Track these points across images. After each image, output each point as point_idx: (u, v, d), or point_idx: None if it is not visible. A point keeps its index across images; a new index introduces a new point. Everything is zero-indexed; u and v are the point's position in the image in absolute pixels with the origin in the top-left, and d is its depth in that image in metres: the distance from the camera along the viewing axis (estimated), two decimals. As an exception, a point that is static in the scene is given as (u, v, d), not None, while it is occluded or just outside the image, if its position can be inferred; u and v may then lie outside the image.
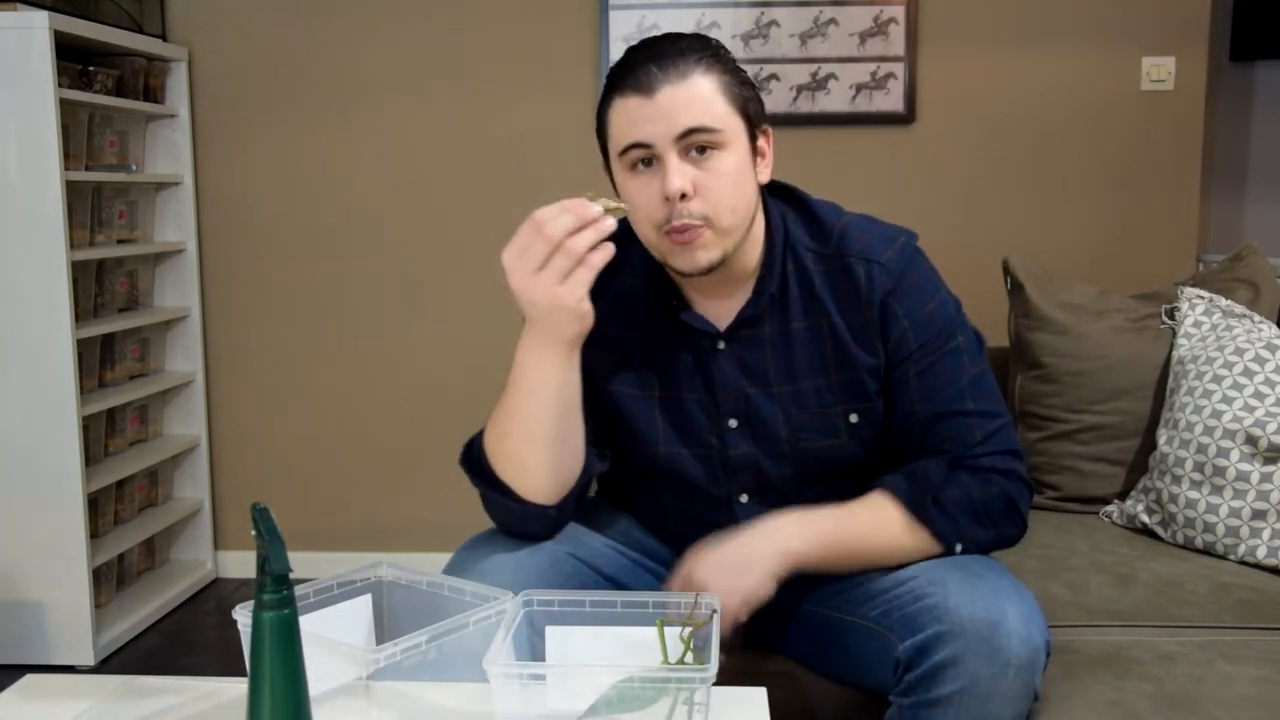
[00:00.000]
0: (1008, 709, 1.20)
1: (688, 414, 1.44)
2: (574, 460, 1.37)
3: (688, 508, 1.50)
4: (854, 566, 1.36)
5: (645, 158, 1.31)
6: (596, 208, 1.22)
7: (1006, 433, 1.40)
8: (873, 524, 1.35)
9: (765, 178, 1.39)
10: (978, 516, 1.35)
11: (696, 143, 1.29)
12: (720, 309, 1.42)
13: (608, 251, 1.22)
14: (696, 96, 1.29)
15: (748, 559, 1.32)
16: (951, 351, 1.40)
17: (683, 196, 1.28)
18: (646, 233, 1.34)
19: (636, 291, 1.44)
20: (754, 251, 1.40)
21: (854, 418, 1.41)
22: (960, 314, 1.43)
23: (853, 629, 1.38)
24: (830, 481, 1.44)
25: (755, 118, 1.35)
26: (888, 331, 1.39)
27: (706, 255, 1.32)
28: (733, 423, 1.43)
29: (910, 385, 1.40)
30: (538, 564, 1.36)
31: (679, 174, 1.28)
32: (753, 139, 1.35)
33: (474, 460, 1.39)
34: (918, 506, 1.34)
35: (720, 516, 1.47)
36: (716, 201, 1.30)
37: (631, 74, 1.30)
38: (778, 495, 1.45)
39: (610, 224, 1.23)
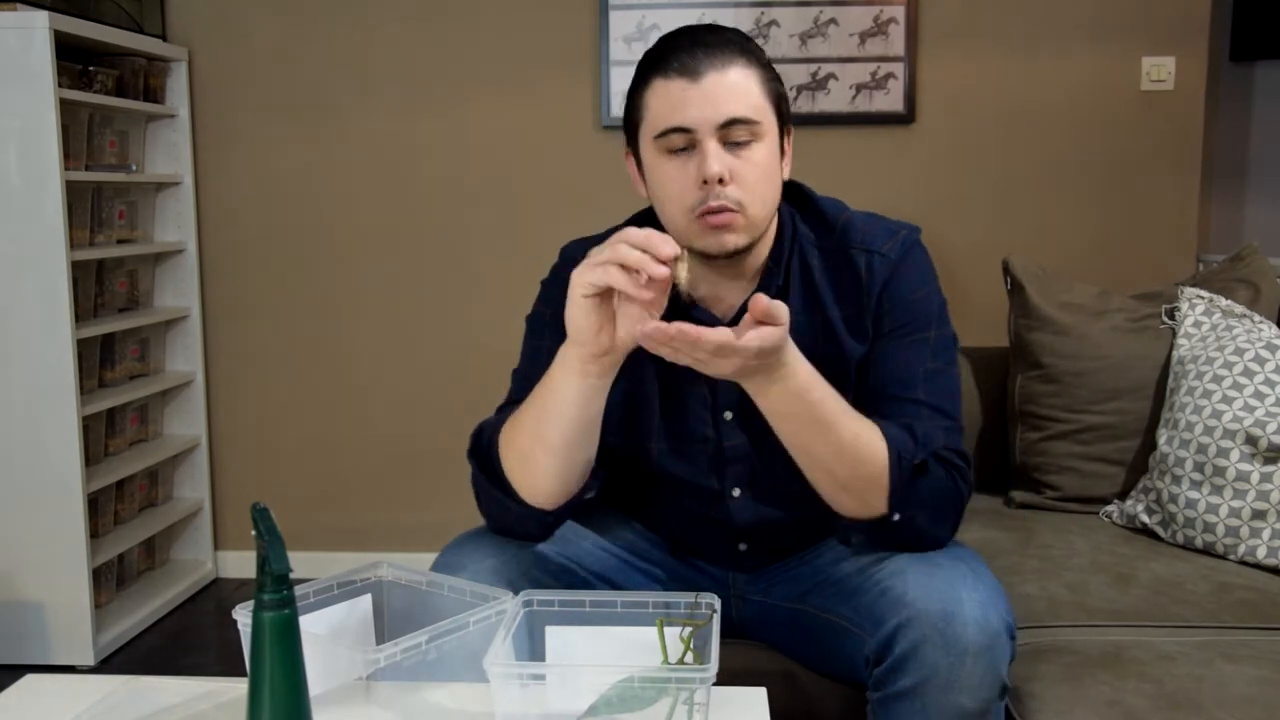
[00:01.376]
0: (970, 698, 1.20)
1: (687, 408, 1.45)
2: (580, 473, 1.37)
3: (681, 504, 1.50)
4: (800, 441, 1.28)
5: (685, 144, 1.31)
6: (662, 270, 1.16)
7: (958, 436, 1.38)
8: (852, 442, 1.26)
9: (786, 174, 1.41)
10: (937, 508, 1.31)
11: (736, 134, 1.30)
12: (724, 303, 1.42)
13: (637, 299, 1.18)
14: (739, 86, 1.30)
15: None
16: (918, 341, 1.39)
17: (720, 181, 1.29)
18: (675, 215, 1.34)
19: None
20: (766, 245, 1.41)
21: None
22: (943, 312, 1.43)
23: (832, 628, 1.39)
24: None
25: (785, 114, 1.38)
26: (879, 314, 1.40)
27: (735, 239, 1.33)
28: (728, 415, 1.44)
29: (870, 365, 1.40)
30: (523, 562, 1.37)
31: (718, 159, 1.29)
32: (781, 135, 1.37)
33: (482, 452, 1.38)
34: (900, 470, 1.27)
35: (713, 511, 1.47)
36: (751, 189, 1.31)
37: (675, 57, 1.31)
38: (769, 489, 1.45)
39: (661, 275, 1.16)
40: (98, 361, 2.79)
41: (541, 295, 1.52)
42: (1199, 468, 1.86)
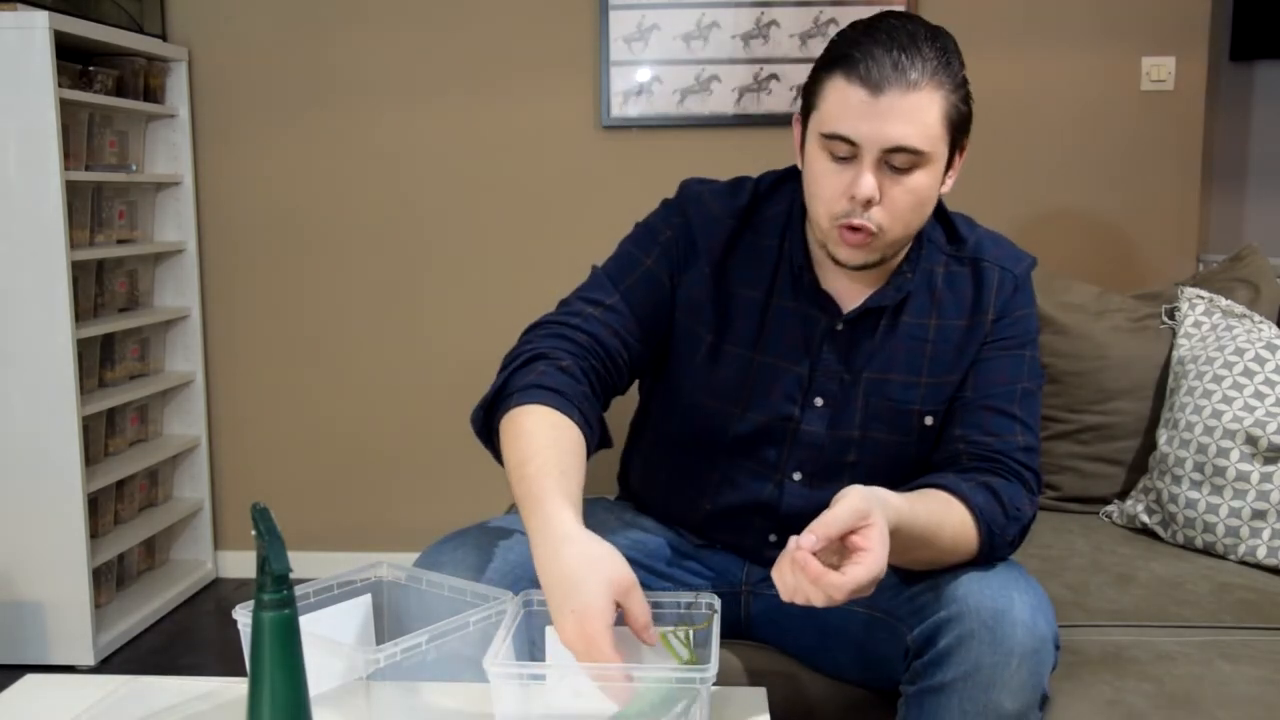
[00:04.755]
0: (1010, 699, 1.19)
1: (780, 383, 1.42)
2: None
3: (733, 480, 1.47)
4: (903, 559, 1.27)
5: (847, 154, 1.27)
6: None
7: (1037, 457, 1.39)
8: (950, 546, 1.28)
9: (949, 188, 1.37)
10: (1013, 545, 1.35)
11: (898, 160, 1.26)
12: (849, 291, 1.41)
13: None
14: (917, 113, 1.24)
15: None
16: (1019, 357, 1.41)
17: (868, 202, 1.27)
18: (818, 214, 1.32)
19: (769, 252, 1.43)
20: (904, 251, 1.40)
21: (929, 420, 1.41)
22: (1037, 339, 1.45)
23: (858, 619, 1.38)
24: (888, 480, 1.40)
25: (961, 136, 1.32)
26: (992, 327, 1.41)
27: (866, 257, 1.32)
28: (819, 401, 1.41)
29: (969, 373, 1.40)
30: (503, 564, 1.35)
31: (873, 181, 1.26)
32: (952, 155, 1.33)
33: (490, 426, 1.34)
34: (991, 546, 1.29)
35: (766, 488, 1.45)
36: (897, 216, 1.29)
37: (864, 60, 1.24)
38: (830, 482, 1.41)
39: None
40: (98, 361, 2.79)
41: (661, 214, 1.47)
42: (1199, 468, 1.85)
